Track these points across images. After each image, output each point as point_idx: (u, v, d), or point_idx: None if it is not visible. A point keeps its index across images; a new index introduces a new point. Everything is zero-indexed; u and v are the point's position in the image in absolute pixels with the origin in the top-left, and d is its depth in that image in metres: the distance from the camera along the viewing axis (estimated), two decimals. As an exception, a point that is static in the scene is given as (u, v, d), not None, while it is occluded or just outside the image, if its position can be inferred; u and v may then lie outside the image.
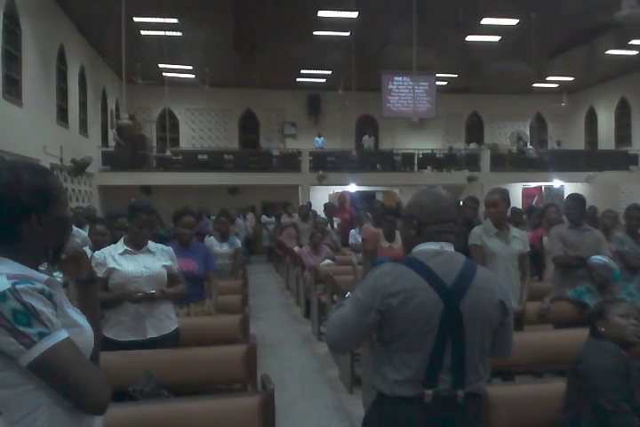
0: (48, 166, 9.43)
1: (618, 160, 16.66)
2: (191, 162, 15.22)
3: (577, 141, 19.84)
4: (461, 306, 1.58)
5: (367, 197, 15.82)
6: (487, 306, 1.61)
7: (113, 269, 2.84)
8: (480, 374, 1.63)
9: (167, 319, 2.97)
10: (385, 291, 1.57)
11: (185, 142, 18.66)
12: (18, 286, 1.13)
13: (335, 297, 4.85)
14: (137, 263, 2.89)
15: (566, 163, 16.25)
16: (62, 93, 11.89)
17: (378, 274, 1.63)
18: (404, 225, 1.78)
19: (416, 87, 15.89)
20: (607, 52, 14.73)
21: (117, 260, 2.87)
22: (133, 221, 2.93)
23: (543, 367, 3.45)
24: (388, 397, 1.61)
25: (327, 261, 6.97)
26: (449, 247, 1.68)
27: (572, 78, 17.66)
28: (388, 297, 1.57)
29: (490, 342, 1.66)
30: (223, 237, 5.55)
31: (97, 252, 2.95)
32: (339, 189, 16.76)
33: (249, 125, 19.46)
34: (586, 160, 16.62)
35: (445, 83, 17.54)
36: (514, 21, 12.58)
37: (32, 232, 1.23)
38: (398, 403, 1.60)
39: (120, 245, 2.95)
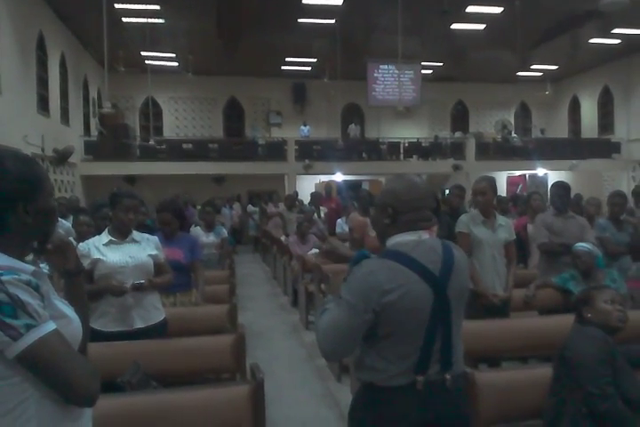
0: (29, 156, 9.27)
1: (601, 148, 16.87)
2: (175, 151, 15.09)
3: (561, 130, 20.02)
4: (448, 292, 1.60)
5: (353, 186, 15.85)
6: (464, 285, 1.68)
7: (98, 259, 2.80)
8: (460, 351, 1.67)
9: (154, 309, 2.95)
10: (379, 289, 1.52)
11: (169, 131, 18.46)
12: (3, 278, 1.11)
13: (323, 286, 4.86)
14: (122, 253, 2.85)
15: (550, 151, 16.42)
16: (42, 82, 11.65)
17: (366, 272, 1.55)
18: (377, 213, 1.72)
19: (401, 75, 15.89)
20: (590, 40, 14.81)
21: (102, 250, 2.83)
22: (117, 207, 2.89)
23: (528, 353, 3.49)
24: (381, 387, 1.59)
25: (314, 250, 6.97)
26: (426, 235, 1.64)
27: (555, 67, 17.77)
28: (383, 295, 1.51)
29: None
30: (209, 227, 5.52)
31: (81, 243, 2.90)
32: (325, 178, 16.77)
33: (233, 114, 19.30)
34: (569, 148, 16.79)
35: (430, 71, 17.54)
36: (498, 9, 12.58)
37: (19, 222, 1.20)
38: (391, 393, 1.58)
39: (104, 236, 2.91)
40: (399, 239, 1.64)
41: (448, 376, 1.60)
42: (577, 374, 2.06)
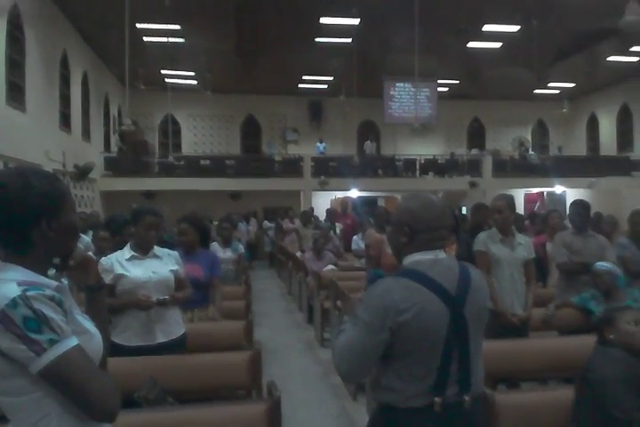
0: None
1: (620, 166, 16.69)
2: (193, 167, 15.27)
3: (579, 147, 19.86)
4: (465, 311, 1.58)
5: (369, 203, 15.83)
6: (482, 306, 1.67)
7: (121, 275, 2.82)
8: (480, 373, 1.65)
9: (175, 324, 2.96)
10: (395, 308, 1.51)
11: (187, 148, 18.71)
12: (28, 293, 1.13)
13: (338, 303, 4.83)
14: (144, 268, 2.88)
15: (568, 168, 16.28)
16: (65, 99, 11.94)
17: (382, 291, 1.56)
18: (394, 232, 1.71)
19: (418, 93, 15.95)
20: (608, 58, 14.77)
21: (125, 265, 2.86)
22: (140, 224, 2.90)
23: (548, 374, 3.42)
24: (398, 408, 1.57)
25: (330, 266, 6.96)
26: (442, 254, 1.65)
27: (573, 84, 17.71)
28: (399, 314, 1.50)
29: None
30: (226, 243, 5.55)
31: (103, 258, 2.93)
32: (340, 194, 16.77)
33: (251, 131, 19.52)
34: (588, 166, 16.65)
35: (447, 89, 17.61)
36: (515, 28, 12.63)
37: (42, 238, 1.22)
38: (409, 414, 1.56)
39: (127, 251, 2.93)
40: (416, 258, 1.63)
41: (467, 398, 1.57)
42: (600, 397, 2.01)
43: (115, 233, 4.26)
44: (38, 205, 1.21)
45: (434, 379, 1.55)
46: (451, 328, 1.55)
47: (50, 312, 1.14)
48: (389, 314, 1.50)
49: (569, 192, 17.07)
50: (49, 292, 1.17)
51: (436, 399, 1.54)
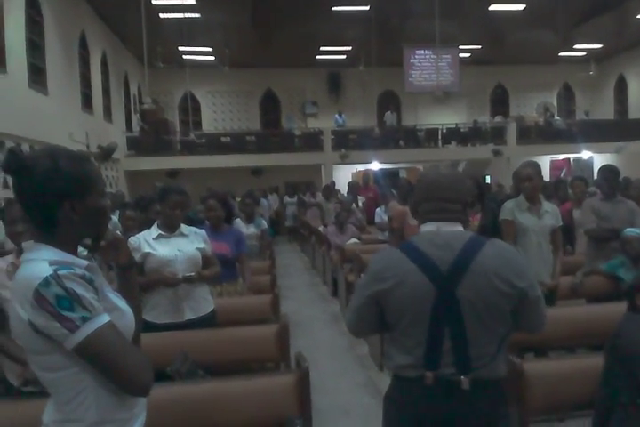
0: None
1: (649, 129, 16.16)
2: (214, 145, 15.30)
3: (606, 111, 19.25)
4: (458, 292, 1.51)
5: (391, 175, 15.71)
6: (490, 293, 1.52)
7: (148, 253, 2.87)
8: (489, 357, 1.54)
9: (204, 301, 3.01)
10: (376, 277, 1.59)
11: (207, 125, 18.72)
12: (60, 272, 1.16)
13: (362, 276, 4.86)
14: (171, 247, 2.92)
15: (595, 133, 15.84)
16: (85, 80, 11.99)
17: (375, 259, 1.65)
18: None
19: (439, 60, 15.57)
20: (638, 16, 14.13)
21: (152, 244, 2.90)
22: (165, 203, 2.94)
23: (576, 342, 3.41)
24: (399, 376, 1.62)
25: (353, 240, 6.97)
26: (448, 227, 1.61)
27: (600, 46, 17.06)
28: (378, 283, 1.57)
29: (505, 326, 1.57)
30: (249, 219, 5.59)
31: (132, 237, 2.98)
32: (362, 167, 16.66)
33: (270, 106, 19.40)
34: (615, 130, 16.17)
35: (469, 55, 17.12)
36: (539, -12, 12.17)
37: (66, 220, 1.24)
38: (403, 383, 1.60)
39: (154, 230, 2.98)
40: (422, 229, 1.66)
41: (464, 378, 1.52)
42: (630, 363, 2.00)
43: (142, 212, 4.33)
44: (62, 188, 1.22)
45: (422, 354, 1.55)
46: (437, 305, 1.52)
47: (81, 290, 1.17)
48: (371, 282, 1.60)
49: (596, 158, 16.65)
50: (80, 271, 1.20)
51: (428, 373, 1.53)
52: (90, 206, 1.27)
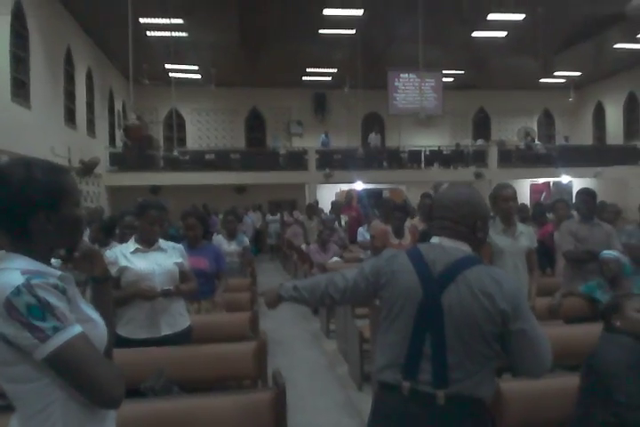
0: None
1: (627, 155, 16.57)
2: (198, 161, 15.28)
3: (585, 137, 19.72)
4: (443, 298, 1.55)
5: (374, 195, 15.81)
6: (474, 309, 1.52)
7: (125, 267, 2.84)
8: (467, 372, 1.53)
9: (180, 316, 2.98)
10: (379, 270, 1.72)
11: (192, 142, 18.72)
12: (32, 281, 1.14)
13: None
14: (149, 261, 2.89)
15: (574, 158, 16.16)
16: (70, 95, 11.96)
17: (381, 256, 1.79)
18: None
19: (422, 84, 15.86)
20: (615, 46, 14.61)
21: (129, 258, 2.88)
22: (144, 218, 2.92)
23: (554, 362, 3.41)
24: (378, 386, 1.67)
25: (335, 258, 6.97)
26: (450, 243, 1.67)
27: (579, 73, 17.55)
28: (379, 275, 1.71)
29: (484, 346, 1.55)
30: (231, 236, 5.56)
31: (108, 251, 2.95)
32: (345, 186, 16.75)
33: (255, 124, 19.50)
34: (594, 155, 16.53)
35: (452, 79, 17.50)
36: (520, 16, 12.49)
37: (40, 230, 1.23)
38: (382, 389, 1.65)
39: (131, 244, 2.95)
40: (431, 241, 1.76)
41: (440, 393, 1.51)
42: (606, 383, 2.01)
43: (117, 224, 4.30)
44: (37, 198, 1.21)
45: (405, 354, 1.58)
46: (423, 308, 1.57)
47: (54, 300, 1.15)
48: (374, 271, 1.73)
49: (575, 182, 16.97)
50: (52, 280, 1.18)
51: (404, 383, 1.56)
52: (64, 217, 1.26)
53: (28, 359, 1.14)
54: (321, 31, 13.14)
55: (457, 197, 1.71)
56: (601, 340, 2.23)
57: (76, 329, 1.16)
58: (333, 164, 15.62)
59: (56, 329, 1.12)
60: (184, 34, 12.89)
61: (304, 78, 17.38)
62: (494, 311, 1.52)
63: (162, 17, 11.89)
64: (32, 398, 1.18)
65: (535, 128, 20.28)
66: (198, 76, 16.30)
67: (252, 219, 13.77)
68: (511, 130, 20.03)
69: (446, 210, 1.69)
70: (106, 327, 1.33)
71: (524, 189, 17.78)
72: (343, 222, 9.79)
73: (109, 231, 4.64)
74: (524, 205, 6.71)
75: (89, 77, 13.45)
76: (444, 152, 16.91)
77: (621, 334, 2.17)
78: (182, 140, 18.52)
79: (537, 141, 18.25)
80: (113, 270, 2.78)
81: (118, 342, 2.73)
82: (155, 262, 2.89)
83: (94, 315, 1.32)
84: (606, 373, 2.03)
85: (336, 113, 19.04)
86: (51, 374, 1.15)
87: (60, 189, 1.26)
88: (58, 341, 1.12)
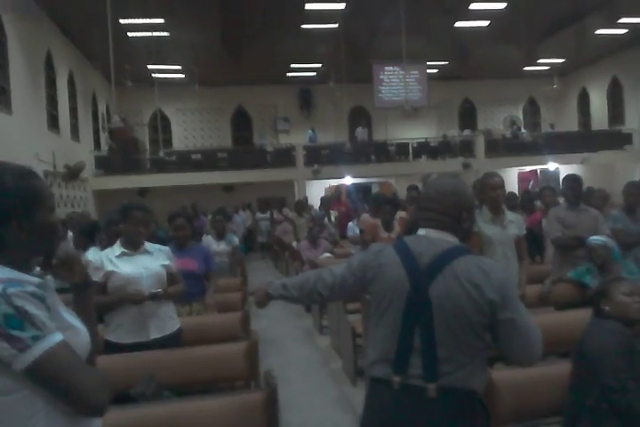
0: (41, 173, 9.39)
1: (612, 140, 16.66)
2: (185, 162, 15.18)
3: (570, 123, 19.81)
4: (431, 290, 1.54)
5: (363, 189, 15.81)
6: (462, 300, 1.52)
7: (111, 271, 2.80)
8: (458, 364, 1.53)
9: (169, 319, 2.95)
10: (366, 264, 1.72)
11: (178, 143, 18.60)
12: (9, 290, 1.11)
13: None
14: (135, 264, 2.85)
15: (561, 145, 16.24)
16: (52, 100, 11.81)
17: (368, 251, 1.78)
18: None
19: (407, 76, 15.85)
20: (597, 31, 14.68)
21: (115, 262, 2.83)
22: (128, 220, 2.88)
23: (546, 350, 3.43)
24: (370, 380, 1.66)
25: (326, 254, 6.96)
26: (437, 234, 1.66)
27: (562, 60, 17.63)
28: (366, 269, 1.71)
29: (473, 337, 1.54)
30: (220, 236, 5.53)
31: (93, 256, 2.91)
32: (334, 182, 16.74)
33: (241, 123, 19.41)
34: (580, 141, 16.61)
35: (436, 70, 17.49)
36: (502, 5, 12.52)
37: (14, 238, 1.20)
38: (373, 384, 1.64)
39: (116, 248, 2.91)
40: (417, 233, 1.75)
41: (431, 386, 1.51)
42: (596, 368, 2.02)
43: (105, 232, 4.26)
44: (8, 206, 1.18)
45: (394, 348, 1.58)
46: (411, 301, 1.56)
47: (32, 309, 1.12)
48: (361, 266, 1.73)
49: (562, 169, 17.06)
50: (30, 288, 1.15)
51: (395, 377, 1.56)
52: (38, 224, 1.23)
53: (7, 371, 1.11)
54: (303, 26, 13.09)
55: (442, 188, 1.71)
56: (590, 325, 2.23)
57: (57, 337, 1.14)
58: (321, 159, 15.59)
59: (35, 338, 1.10)
60: (165, 33, 12.78)
61: (288, 74, 17.32)
62: (482, 302, 1.51)
63: (142, 17, 11.77)
64: (13, 411, 1.15)
65: (521, 117, 20.36)
66: (182, 76, 16.19)
67: (242, 218, 13.73)
68: (497, 119, 20.08)
69: (432, 201, 1.70)
70: (88, 334, 1.31)
71: (511, 177, 17.85)
72: (333, 218, 9.79)
73: (90, 236, 4.60)
74: (512, 194, 6.73)
75: (71, 81, 13.30)
76: (432, 144, 16.93)
77: (610, 318, 2.18)
78: (168, 142, 18.39)
79: (523, 130, 18.32)
80: (99, 275, 2.75)
81: (107, 347, 2.74)
82: (141, 266, 2.86)
83: (76, 322, 1.29)
84: (596, 358, 2.03)
85: (322, 108, 19.00)
86: (31, 384, 1.13)
87: (32, 195, 1.22)
88: (38, 350, 1.10)
